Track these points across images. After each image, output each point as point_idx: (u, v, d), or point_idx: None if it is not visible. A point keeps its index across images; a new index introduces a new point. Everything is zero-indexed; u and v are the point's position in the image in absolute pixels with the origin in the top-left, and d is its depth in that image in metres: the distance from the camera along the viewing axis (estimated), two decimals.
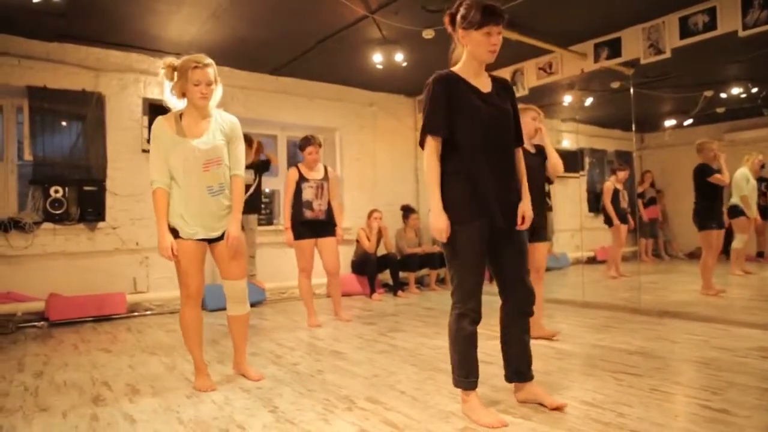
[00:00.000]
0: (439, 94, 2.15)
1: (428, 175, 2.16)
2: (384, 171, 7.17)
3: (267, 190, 6.47)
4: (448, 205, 2.14)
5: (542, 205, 3.46)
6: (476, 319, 2.18)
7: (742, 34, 4.05)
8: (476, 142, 2.14)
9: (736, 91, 6.68)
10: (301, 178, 4.45)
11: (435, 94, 2.15)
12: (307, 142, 4.48)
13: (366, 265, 6.10)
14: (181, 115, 2.68)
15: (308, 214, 4.42)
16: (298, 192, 4.44)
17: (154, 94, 5.42)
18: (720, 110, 7.71)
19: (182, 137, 2.62)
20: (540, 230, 3.49)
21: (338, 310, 4.70)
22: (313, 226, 4.44)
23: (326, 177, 4.54)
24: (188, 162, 2.61)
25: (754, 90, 6.58)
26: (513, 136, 2.27)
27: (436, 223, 2.12)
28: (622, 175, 6.47)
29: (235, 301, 2.88)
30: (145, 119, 5.29)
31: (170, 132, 2.62)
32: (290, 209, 4.45)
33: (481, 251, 2.15)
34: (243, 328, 2.94)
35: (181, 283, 2.70)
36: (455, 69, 2.23)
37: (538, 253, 3.59)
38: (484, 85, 2.22)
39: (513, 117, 2.27)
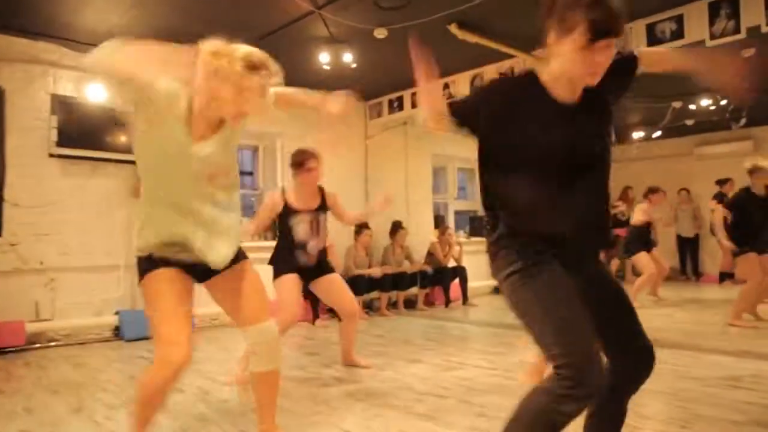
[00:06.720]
0: None
1: None
2: (330, 182, 7.08)
3: None
4: None
5: None
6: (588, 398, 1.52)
7: (709, 43, 4.29)
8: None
9: (705, 102, 7.05)
10: (288, 211, 3.69)
11: None
12: (303, 154, 3.85)
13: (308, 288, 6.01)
14: None
15: (303, 258, 3.68)
16: (284, 227, 3.72)
17: (66, 90, 5.22)
18: (689, 122, 8.13)
19: None
20: None
21: (354, 355, 3.96)
22: (306, 272, 3.74)
23: (324, 204, 3.84)
24: None
25: (723, 102, 6.97)
26: None
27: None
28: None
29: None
30: (54, 119, 5.06)
31: None
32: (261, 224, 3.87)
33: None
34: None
35: None
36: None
37: None
38: None
39: None
